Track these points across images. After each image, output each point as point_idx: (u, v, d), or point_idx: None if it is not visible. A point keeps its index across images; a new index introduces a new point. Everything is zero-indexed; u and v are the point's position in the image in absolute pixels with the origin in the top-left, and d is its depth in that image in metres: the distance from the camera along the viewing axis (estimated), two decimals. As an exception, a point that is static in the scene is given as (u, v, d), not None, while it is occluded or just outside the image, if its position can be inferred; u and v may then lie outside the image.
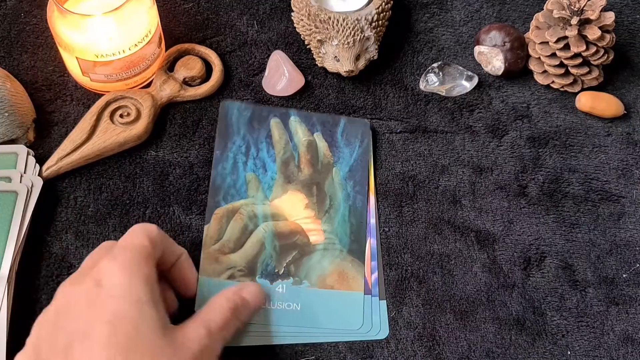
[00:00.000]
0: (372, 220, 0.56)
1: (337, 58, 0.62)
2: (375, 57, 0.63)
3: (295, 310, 0.51)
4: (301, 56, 0.65)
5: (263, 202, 0.55)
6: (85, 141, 0.58)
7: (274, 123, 0.58)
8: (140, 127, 0.59)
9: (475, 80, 0.64)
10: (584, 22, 0.60)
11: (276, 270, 0.53)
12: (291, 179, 0.56)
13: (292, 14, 0.65)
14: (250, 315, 0.49)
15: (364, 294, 0.52)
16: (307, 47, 0.65)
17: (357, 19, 0.61)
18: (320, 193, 0.56)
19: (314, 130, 0.59)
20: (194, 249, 0.56)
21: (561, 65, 0.62)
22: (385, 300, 0.53)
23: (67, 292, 0.45)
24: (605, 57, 0.62)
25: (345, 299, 0.52)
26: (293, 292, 0.52)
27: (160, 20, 0.62)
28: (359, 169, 0.57)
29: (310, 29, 0.63)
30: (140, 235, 0.47)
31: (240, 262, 0.53)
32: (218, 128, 0.58)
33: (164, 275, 0.50)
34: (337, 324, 0.51)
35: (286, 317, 0.51)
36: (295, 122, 0.59)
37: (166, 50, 0.64)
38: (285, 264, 0.53)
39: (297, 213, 0.55)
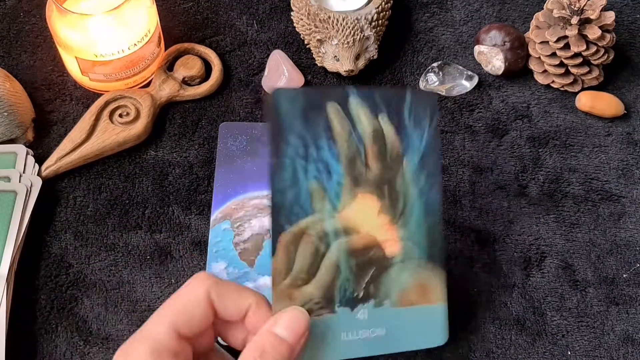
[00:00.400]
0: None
1: (336, 57, 0.62)
2: (375, 57, 0.63)
3: (380, 337, 0.45)
4: (301, 56, 0.65)
5: (331, 215, 0.45)
6: (84, 141, 0.58)
7: (332, 109, 0.46)
8: (139, 126, 0.59)
9: (475, 79, 0.64)
10: (584, 22, 0.60)
11: (355, 295, 0.45)
12: (359, 180, 0.46)
13: (292, 13, 0.65)
14: (289, 354, 0.40)
15: (443, 306, 0.46)
16: (307, 46, 0.65)
17: (356, 19, 0.61)
18: (392, 193, 0.47)
19: (377, 111, 0.47)
20: (193, 249, 0.55)
21: (561, 64, 0.62)
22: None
23: None
24: (606, 56, 0.62)
25: (427, 314, 0.46)
26: (375, 316, 0.45)
27: (160, 20, 0.62)
28: (430, 156, 0.47)
29: (310, 29, 0.63)
30: (168, 319, 0.39)
31: (317, 294, 0.44)
32: (269, 128, 0.45)
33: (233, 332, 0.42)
34: (421, 344, 0.46)
35: (371, 345, 0.45)
36: (357, 105, 0.47)
37: (165, 49, 0.64)
38: (364, 285, 0.45)
39: (370, 221, 0.46)
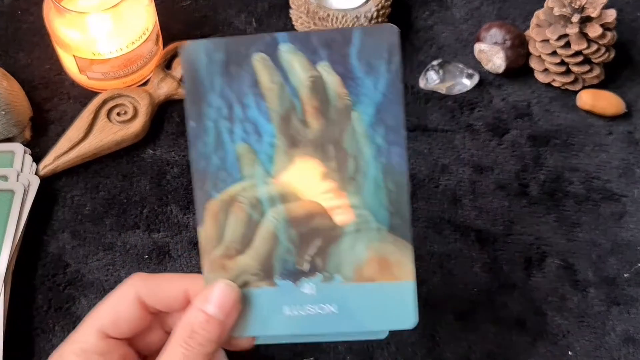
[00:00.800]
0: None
1: (312, 30, 0.61)
2: (375, 55, 0.63)
3: (332, 314, 0.41)
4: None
5: (265, 180, 0.41)
6: (82, 140, 0.58)
7: (259, 61, 0.41)
8: (137, 125, 0.59)
9: (476, 78, 0.64)
10: (585, 20, 0.60)
11: (298, 267, 0.41)
12: (297, 140, 0.41)
13: (291, 11, 0.65)
14: (220, 330, 0.39)
15: (411, 283, 0.41)
16: (306, 44, 0.64)
17: (356, 16, 0.61)
18: (339, 153, 0.41)
19: (317, 59, 0.41)
20: (192, 249, 0.55)
21: (562, 63, 0.62)
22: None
23: None
24: (606, 55, 0.62)
25: (390, 292, 0.41)
26: (325, 291, 0.41)
27: (158, 18, 0.62)
28: (390, 107, 0.41)
29: (309, 27, 0.62)
30: (94, 322, 0.40)
31: (253, 264, 0.41)
32: (186, 88, 0.41)
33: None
34: (385, 324, 0.41)
35: (320, 322, 0.41)
36: (289, 53, 0.41)
37: (164, 47, 0.64)
38: (308, 257, 0.41)
39: (313, 187, 0.41)
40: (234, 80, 0.41)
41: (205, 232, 0.41)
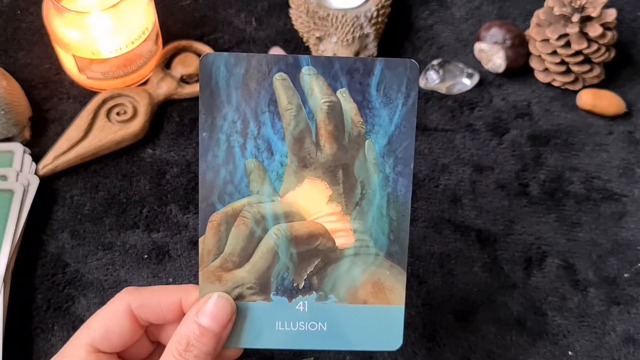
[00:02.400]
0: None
1: (336, 55, 0.61)
2: (375, 55, 0.63)
3: (321, 331, 0.42)
4: (300, 53, 0.65)
5: (272, 198, 0.42)
6: (81, 139, 0.58)
7: (279, 80, 0.41)
8: (137, 125, 0.59)
9: (476, 78, 0.64)
10: (585, 20, 0.60)
11: (295, 284, 0.42)
12: (308, 162, 0.42)
13: (290, 10, 0.65)
14: (216, 343, 0.40)
15: (400, 309, 0.42)
16: (306, 44, 0.64)
17: (356, 16, 0.61)
18: (348, 179, 0.42)
19: (337, 85, 0.42)
20: (191, 248, 0.55)
21: (562, 62, 0.62)
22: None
23: None
24: (607, 54, 0.62)
25: (381, 315, 0.42)
26: (317, 310, 0.42)
27: (157, 17, 0.61)
28: (402, 140, 0.42)
29: (309, 26, 0.62)
30: (85, 337, 0.40)
31: (249, 278, 0.41)
32: (201, 98, 0.41)
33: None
34: (372, 345, 0.43)
35: (310, 339, 0.42)
36: (310, 76, 0.41)
37: (163, 47, 0.63)
38: (305, 276, 0.42)
39: (318, 209, 0.42)
40: (252, 97, 0.41)
41: (205, 242, 0.41)
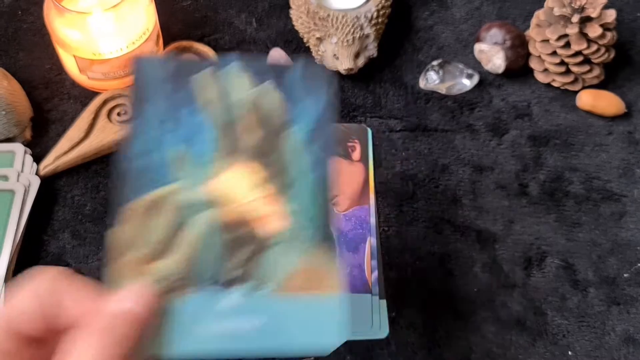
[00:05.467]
0: (372, 219, 0.56)
1: (336, 56, 0.61)
2: (375, 55, 0.63)
3: (258, 326, 0.39)
4: (300, 54, 0.65)
5: (195, 185, 0.41)
6: (82, 140, 0.58)
7: (204, 75, 0.43)
8: (138, 125, 0.59)
9: (476, 78, 0.64)
10: (585, 20, 0.60)
11: (227, 276, 0.39)
12: (233, 149, 0.42)
13: (291, 11, 0.65)
14: (140, 328, 0.35)
15: (340, 296, 0.40)
16: (306, 45, 0.64)
17: (356, 17, 0.61)
18: (277, 162, 0.42)
19: (262, 77, 0.44)
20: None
21: (562, 63, 0.62)
22: (385, 300, 0.53)
23: None
24: (606, 55, 0.62)
25: (315, 305, 0.40)
26: (252, 302, 0.39)
27: (158, 18, 0.61)
28: (324, 127, 0.44)
29: (309, 27, 0.62)
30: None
31: (175, 270, 0.39)
32: (132, 89, 0.42)
33: None
34: (308, 340, 0.39)
35: (247, 336, 0.38)
36: (235, 71, 0.43)
37: (164, 48, 0.63)
38: (238, 265, 0.40)
39: (248, 193, 0.41)
40: (177, 90, 0.42)
41: (122, 233, 0.39)
